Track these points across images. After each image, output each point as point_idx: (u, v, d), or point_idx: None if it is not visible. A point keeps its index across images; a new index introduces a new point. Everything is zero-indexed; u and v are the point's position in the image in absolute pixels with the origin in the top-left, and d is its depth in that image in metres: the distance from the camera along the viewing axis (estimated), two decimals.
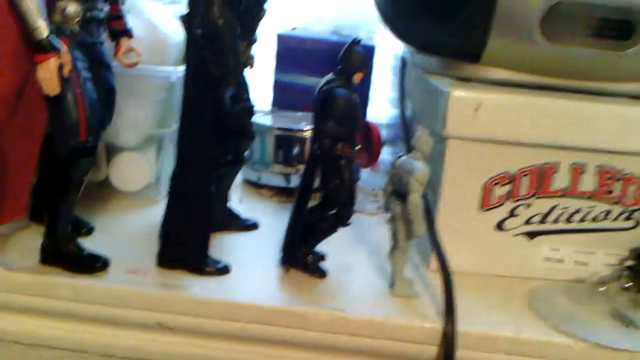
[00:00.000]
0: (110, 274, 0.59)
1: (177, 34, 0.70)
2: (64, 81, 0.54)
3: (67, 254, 0.59)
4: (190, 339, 0.58)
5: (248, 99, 0.61)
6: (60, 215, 0.58)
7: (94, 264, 0.59)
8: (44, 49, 0.52)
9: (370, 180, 0.89)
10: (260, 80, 0.95)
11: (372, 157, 0.92)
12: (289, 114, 0.88)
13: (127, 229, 0.68)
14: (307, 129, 0.79)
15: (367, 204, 0.81)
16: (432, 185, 0.63)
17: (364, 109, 0.96)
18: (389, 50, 0.96)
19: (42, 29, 0.51)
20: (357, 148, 0.59)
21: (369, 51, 0.94)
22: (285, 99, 0.94)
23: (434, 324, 0.55)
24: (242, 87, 0.57)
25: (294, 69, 0.93)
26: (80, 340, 0.59)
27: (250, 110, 0.61)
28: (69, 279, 0.57)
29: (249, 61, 0.59)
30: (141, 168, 0.73)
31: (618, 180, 0.63)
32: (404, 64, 0.83)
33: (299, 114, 0.88)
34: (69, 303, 0.57)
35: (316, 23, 1.00)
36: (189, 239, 0.60)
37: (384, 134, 0.95)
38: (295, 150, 0.81)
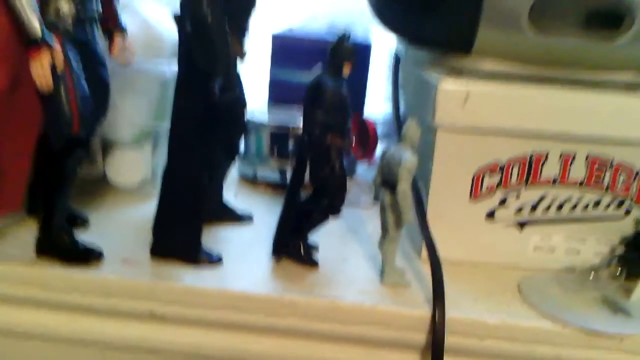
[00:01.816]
0: (105, 265, 0.60)
1: (171, 31, 0.71)
2: (57, 77, 0.54)
3: (62, 246, 0.60)
4: (184, 329, 0.59)
5: (241, 92, 0.62)
6: (55, 207, 0.59)
7: (89, 256, 0.60)
8: (37, 44, 0.53)
9: (366, 175, 0.89)
10: (256, 79, 0.96)
11: (368, 152, 0.93)
12: (284, 111, 0.89)
13: (122, 223, 0.69)
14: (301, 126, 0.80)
15: (362, 197, 0.82)
16: (423, 176, 0.64)
17: (360, 105, 0.97)
18: (384, 47, 0.97)
19: (35, 25, 0.52)
20: (348, 139, 0.60)
21: (365, 49, 0.95)
22: (281, 97, 0.95)
23: (423, 311, 0.56)
24: (233, 80, 0.58)
25: (289, 67, 0.93)
26: (75, 330, 0.59)
27: (240, 101, 0.61)
28: (63, 270, 0.58)
29: (240, 55, 0.59)
30: (137, 163, 0.74)
31: (608, 169, 0.64)
32: (397, 60, 0.84)
33: (295, 110, 0.88)
34: (63, 294, 0.58)
35: (311, 21, 1.01)
36: (182, 229, 0.61)
37: (380, 129, 0.96)
38: (291, 146, 0.81)
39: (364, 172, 0.90)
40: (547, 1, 0.61)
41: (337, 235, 0.70)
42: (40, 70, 0.53)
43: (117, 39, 0.63)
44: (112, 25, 0.63)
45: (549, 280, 0.63)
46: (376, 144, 0.93)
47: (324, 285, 0.59)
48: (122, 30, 0.63)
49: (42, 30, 0.53)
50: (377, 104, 1.01)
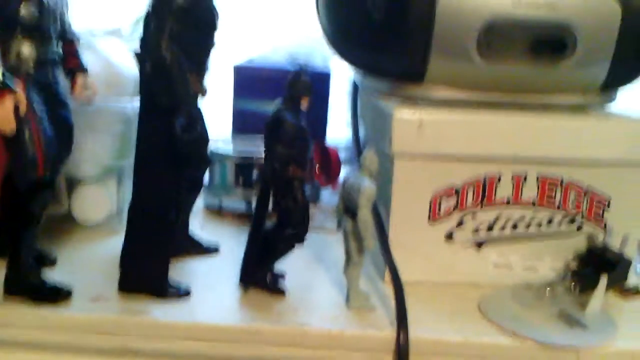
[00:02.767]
0: (74, 302, 0.60)
1: (132, 68, 0.73)
2: (21, 120, 0.55)
3: (30, 286, 0.60)
4: None
5: (202, 128, 0.64)
6: (22, 247, 0.60)
7: (57, 294, 0.60)
8: None
9: (330, 200, 0.91)
10: (219, 110, 0.98)
11: (331, 178, 0.95)
12: (248, 140, 0.91)
13: (90, 259, 0.70)
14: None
15: (327, 222, 0.83)
16: (383, 201, 0.66)
17: (322, 132, 0.99)
18: (344, 74, 0.99)
19: None
20: (309, 170, 0.61)
21: (325, 78, 0.98)
22: (245, 126, 0.97)
23: (388, 332, 0.57)
24: (195, 117, 0.60)
25: (252, 97, 0.95)
26: None
27: (203, 138, 0.63)
28: (32, 310, 0.59)
29: (201, 92, 0.61)
30: (102, 200, 0.75)
31: (558, 187, 0.67)
32: (355, 88, 0.86)
33: (259, 140, 0.90)
34: (33, 332, 0.58)
35: (272, 52, 1.03)
36: (149, 264, 0.62)
37: (342, 155, 0.98)
38: (255, 175, 0.83)
39: (328, 198, 0.92)
40: (494, 31, 0.64)
41: (303, 261, 0.72)
42: (3, 113, 0.54)
43: (79, 79, 0.64)
44: (73, 65, 0.64)
45: (507, 297, 0.65)
46: (339, 170, 0.96)
47: (291, 312, 0.61)
48: (83, 69, 0.65)
49: (3, 74, 0.54)
50: (339, 130, 1.03)
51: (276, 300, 0.63)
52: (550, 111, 0.67)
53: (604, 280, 0.63)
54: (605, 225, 0.68)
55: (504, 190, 0.66)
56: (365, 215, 0.58)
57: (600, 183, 0.67)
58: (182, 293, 0.62)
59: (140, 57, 0.58)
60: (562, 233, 0.68)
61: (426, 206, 0.66)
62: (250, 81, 0.95)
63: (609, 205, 0.68)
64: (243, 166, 0.83)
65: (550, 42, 0.65)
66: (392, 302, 0.60)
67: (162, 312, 0.59)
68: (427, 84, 0.68)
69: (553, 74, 0.67)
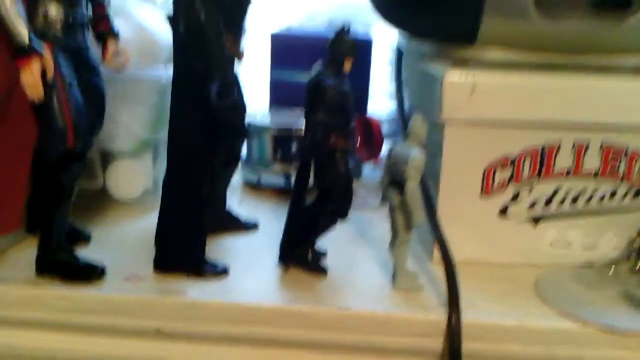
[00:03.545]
0: (107, 282, 0.58)
1: (167, 35, 0.69)
2: (49, 86, 0.52)
3: (62, 264, 0.58)
4: (190, 345, 0.57)
5: (239, 95, 0.60)
6: (53, 224, 0.57)
7: (90, 273, 0.58)
8: (25, 53, 0.51)
9: (372, 176, 0.87)
10: (256, 81, 0.95)
11: (373, 152, 0.90)
12: (287, 113, 0.87)
13: (124, 237, 0.67)
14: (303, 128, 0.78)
15: (369, 199, 0.79)
16: (432, 174, 0.62)
17: (364, 104, 0.95)
18: (386, 44, 0.95)
19: (23, 33, 0.50)
20: (352, 140, 0.57)
21: (366, 45, 0.93)
22: (283, 98, 0.93)
23: (438, 315, 0.54)
24: (231, 83, 0.56)
25: (290, 67, 0.91)
26: (78, 351, 0.58)
27: (240, 105, 0.59)
28: (64, 290, 0.56)
29: (237, 55, 0.57)
30: (137, 175, 0.72)
31: (623, 157, 0.61)
32: (400, 54, 0.81)
33: (298, 111, 0.86)
34: (65, 314, 0.56)
35: (310, 20, 0.99)
36: (184, 242, 0.59)
37: (385, 128, 0.93)
38: (294, 148, 0.79)
39: (371, 174, 0.88)
40: None
41: (346, 240, 0.68)
42: (30, 79, 0.51)
43: (110, 44, 0.61)
44: (104, 29, 0.61)
45: (566, 277, 0.60)
46: (382, 143, 0.91)
47: (333, 293, 0.57)
48: (114, 34, 0.61)
49: (31, 38, 0.51)
50: (380, 102, 0.99)
51: (317, 280, 0.60)
52: (613, 73, 0.61)
53: None
54: None
55: (564, 160, 0.61)
56: (413, 187, 0.54)
57: None
58: (220, 272, 0.59)
59: (174, 20, 0.54)
60: (626, 207, 0.63)
61: (479, 178, 0.61)
62: (287, 50, 0.91)
63: None
64: (281, 139, 0.80)
65: None
66: (441, 283, 0.56)
67: (198, 292, 0.57)
68: (480, 45, 0.63)
69: (616, 32, 0.61)
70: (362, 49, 0.92)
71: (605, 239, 0.63)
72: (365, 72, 0.94)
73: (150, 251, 0.60)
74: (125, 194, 0.73)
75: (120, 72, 0.63)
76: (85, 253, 0.61)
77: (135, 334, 0.56)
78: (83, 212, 0.69)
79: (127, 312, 0.56)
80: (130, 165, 0.72)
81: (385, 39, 0.94)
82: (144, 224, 0.69)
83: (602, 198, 0.63)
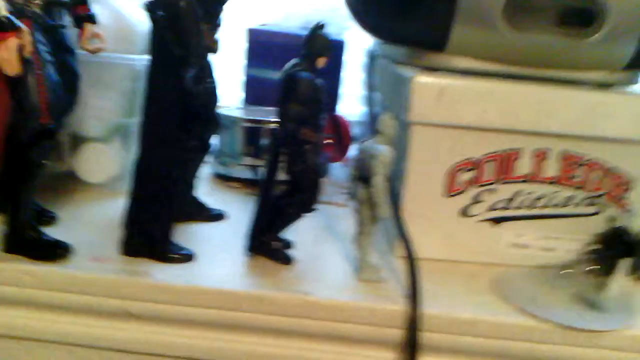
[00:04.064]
0: (73, 261, 0.58)
1: (143, 22, 0.70)
2: (25, 63, 0.53)
3: (29, 241, 0.58)
4: (153, 326, 0.57)
5: (212, 84, 0.61)
6: (21, 201, 0.58)
7: (56, 251, 0.58)
8: (3, 27, 0.51)
9: (340, 174, 0.89)
10: (231, 76, 0.96)
11: (341, 151, 0.92)
12: (259, 109, 0.89)
13: (92, 219, 0.67)
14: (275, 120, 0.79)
15: (336, 196, 0.81)
16: (398, 173, 0.64)
17: (333, 104, 0.97)
18: (359, 47, 0.97)
19: (1, 8, 0.51)
20: (323, 136, 0.59)
21: (339, 47, 0.95)
22: (257, 95, 0.95)
23: (398, 306, 0.55)
24: (205, 70, 0.57)
25: (265, 64, 0.93)
26: (43, 328, 0.58)
27: (213, 93, 0.60)
28: (30, 266, 0.56)
29: (212, 45, 0.58)
30: (107, 159, 0.73)
31: (581, 166, 0.64)
32: (372, 57, 0.84)
33: (270, 108, 0.88)
34: (31, 290, 0.56)
35: (286, 19, 1.01)
36: (152, 225, 0.59)
37: (354, 130, 0.95)
38: (264, 142, 0.81)
39: (338, 172, 0.89)
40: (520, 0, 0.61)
41: (312, 233, 0.70)
42: (7, 55, 0.51)
43: (87, 28, 0.62)
44: (82, 12, 0.61)
45: (523, 277, 0.63)
46: (350, 142, 0.93)
47: (298, 281, 0.58)
48: (92, 18, 0.62)
49: (9, 14, 0.51)
50: (351, 105, 1.01)
51: (283, 269, 0.61)
52: (576, 87, 0.64)
53: (623, 264, 0.61)
54: (627, 207, 0.66)
55: (524, 166, 0.64)
56: (379, 181, 0.56)
57: (623, 163, 0.65)
58: (186, 257, 0.60)
59: (152, 7, 0.55)
60: (581, 213, 0.66)
61: (442, 179, 0.64)
62: (263, 46, 0.92)
63: (631, 187, 0.65)
64: (253, 132, 0.81)
65: (578, 14, 0.63)
66: (403, 276, 0.57)
67: (164, 274, 0.57)
68: (449, 52, 0.65)
69: (579, 47, 0.64)
70: (334, 51, 0.95)
71: (561, 242, 0.66)
72: (336, 73, 0.96)
73: (117, 234, 0.61)
74: (94, 177, 0.73)
75: (96, 56, 0.63)
76: (53, 234, 0.61)
77: (100, 313, 0.57)
78: (51, 194, 0.69)
79: (91, 291, 0.56)
80: (100, 149, 0.73)
81: (358, 43, 0.96)
82: (112, 208, 0.69)
83: (560, 204, 0.65)
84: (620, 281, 0.60)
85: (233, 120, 0.81)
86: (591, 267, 0.63)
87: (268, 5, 1.06)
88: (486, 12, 0.62)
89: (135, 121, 0.72)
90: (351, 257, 0.62)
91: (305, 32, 0.59)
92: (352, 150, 0.94)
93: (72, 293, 0.56)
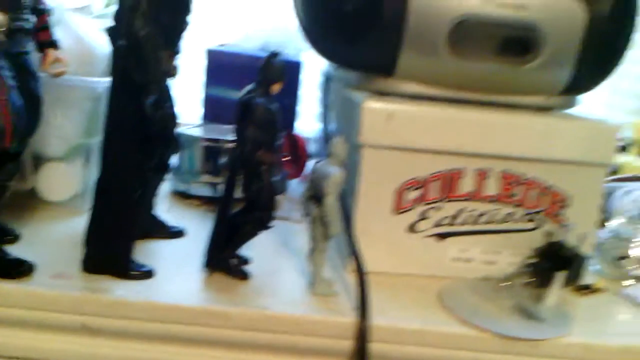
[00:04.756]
0: (35, 278, 0.60)
1: (103, 46, 0.72)
2: None
3: None
4: (115, 341, 0.59)
5: (172, 108, 0.64)
6: None
7: (19, 269, 0.59)
8: None
9: (297, 191, 0.92)
10: (190, 95, 0.98)
11: (299, 168, 0.95)
12: (218, 127, 0.91)
13: (53, 238, 0.69)
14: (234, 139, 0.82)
15: (293, 212, 0.84)
16: (350, 191, 0.67)
17: (291, 123, 1.00)
18: (316, 66, 1.00)
19: None
20: (278, 155, 0.62)
21: (295, 67, 0.98)
22: (216, 113, 0.97)
23: (349, 319, 0.58)
24: (165, 96, 0.60)
25: (224, 84, 0.95)
26: (4, 345, 0.59)
27: (172, 117, 0.63)
28: None
29: (172, 71, 0.61)
30: (68, 178, 0.74)
31: (520, 184, 0.69)
32: (327, 78, 0.87)
33: (228, 127, 0.90)
34: None
35: (245, 40, 1.03)
36: (113, 243, 0.61)
37: (311, 147, 0.99)
38: (223, 160, 0.83)
39: (296, 188, 0.92)
40: (464, 28, 0.65)
41: (269, 249, 0.72)
42: None
43: (50, 53, 0.64)
44: (44, 38, 0.63)
45: (466, 289, 0.67)
46: (306, 160, 0.97)
47: (254, 296, 0.61)
48: (54, 43, 0.64)
49: None
50: (308, 123, 1.04)
51: (240, 284, 0.63)
52: (514, 110, 0.69)
53: (559, 276, 0.65)
54: (563, 223, 0.70)
55: (467, 185, 0.68)
56: (331, 201, 0.59)
57: (560, 182, 0.69)
58: (146, 274, 0.62)
59: (114, 33, 0.57)
60: (521, 229, 0.70)
61: (391, 197, 0.67)
62: (222, 66, 0.95)
63: (567, 204, 0.70)
64: (211, 151, 0.84)
65: (517, 43, 0.67)
66: (355, 290, 0.61)
67: (124, 291, 0.59)
68: (397, 78, 0.69)
69: (518, 74, 0.69)
70: (291, 71, 0.98)
71: (502, 256, 0.70)
72: (294, 92, 0.99)
73: (78, 251, 0.62)
74: (56, 196, 0.75)
75: (59, 79, 0.66)
76: (15, 252, 0.62)
77: (61, 329, 0.58)
78: (13, 212, 0.70)
79: (52, 308, 0.58)
80: (61, 168, 0.74)
81: (315, 64, 1.00)
82: (73, 226, 0.71)
83: (501, 220, 0.70)
84: (556, 292, 0.65)
85: (192, 139, 0.84)
86: (530, 279, 0.67)
87: (228, 26, 1.09)
88: (431, 40, 0.66)
89: (96, 141, 0.74)
90: (306, 272, 0.65)
91: (263, 53, 0.62)
92: (309, 167, 0.97)
93: (34, 310, 0.58)
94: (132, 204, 0.62)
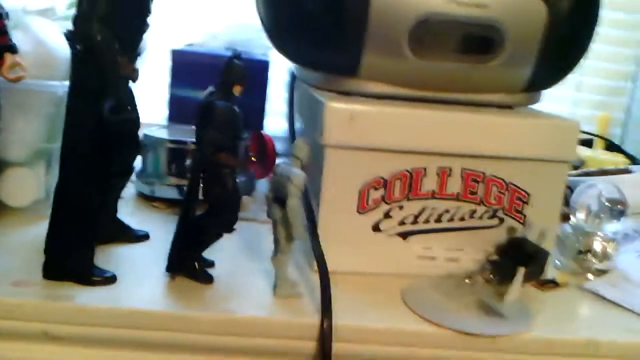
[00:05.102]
0: None
1: (64, 49, 0.71)
2: None
3: None
4: (78, 349, 0.59)
5: (133, 111, 0.63)
6: None
7: None
8: None
9: (264, 190, 0.91)
10: (155, 96, 0.97)
11: (266, 168, 0.95)
12: (183, 128, 0.90)
13: (14, 243, 0.68)
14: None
15: (260, 212, 0.84)
16: (314, 191, 0.68)
17: (259, 121, 1.00)
18: (284, 65, 1.00)
19: None
20: (241, 158, 0.62)
21: (263, 66, 0.98)
22: (181, 114, 0.96)
23: (314, 320, 0.59)
24: (126, 100, 0.59)
25: (189, 84, 0.95)
26: None
27: (133, 121, 0.63)
28: None
29: (132, 74, 0.61)
30: (29, 183, 0.73)
31: (481, 182, 0.70)
32: (293, 78, 0.87)
33: (193, 128, 0.90)
34: None
35: (211, 40, 1.03)
36: (73, 249, 0.61)
37: (279, 146, 0.98)
38: (188, 162, 0.83)
39: (263, 188, 0.92)
40: (426, 28, 0.66)
41: (234, 251, 0.72)
42: None
43: (8, 57, 0.63)
44: (2, 42, 0.62)
45: (429, 287, 0.67)
46: (274, 159, 0.96)
47: (219, 299, 0.61)
48: (12, 48, 0.63)
49: None
50: (277, 121, 1.04)
51: (204, 288, 0.63)
52: (476, 108, 0.70)
53: (521, 272, 0.66)
54: (524, 219, 0.71)
55: (430, 183, 0.69)
56: (294, 203, 0.59)
57: (520, 178, 0.70)
58: (108, 279, 0.62)
59: (71, 38, 0.57)
60: (483, 226, 0.71)
61: (355, 197, 0.68)
62: (187, 66, 0.95)
63: (528, 200, 0.71)
64: (176, 153, 0.83)
65: (478, 41, 0.68)
66: (319, 291, 0.61)
67: (86, 297, 0.59)
68: (360, 78, 0.69)
69: (480, 72, 0.70)
70: (259, 69, 0.98)
71: (465, 253, 0.71)
72: (262, 91, 0.99)
73: (40, 258, 0.62)
74: (17, 201, 0.74)
75: (17, 83, 0.65)
76: None
77: (23, 338, 0.58)
78: None
79: (13, 316, 0.57)
80: (22, 173, 0.73)
81: (283, 62, 0.99)
82: (35, 232, 0.69)
83: (463, 217, 0.70)
84: (518, 288, 0.65)
85: (157, 141, 0.83)
86: (491, 276, 0.68)
87: (194, 25, 1.08)
88: (394, 40, 0.66)
89: (58, 146, 0.73)
90: (271, 273, 0.65)
91: (229, 53, 0.62)
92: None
93: None
94: (92, 209, 0.61)
